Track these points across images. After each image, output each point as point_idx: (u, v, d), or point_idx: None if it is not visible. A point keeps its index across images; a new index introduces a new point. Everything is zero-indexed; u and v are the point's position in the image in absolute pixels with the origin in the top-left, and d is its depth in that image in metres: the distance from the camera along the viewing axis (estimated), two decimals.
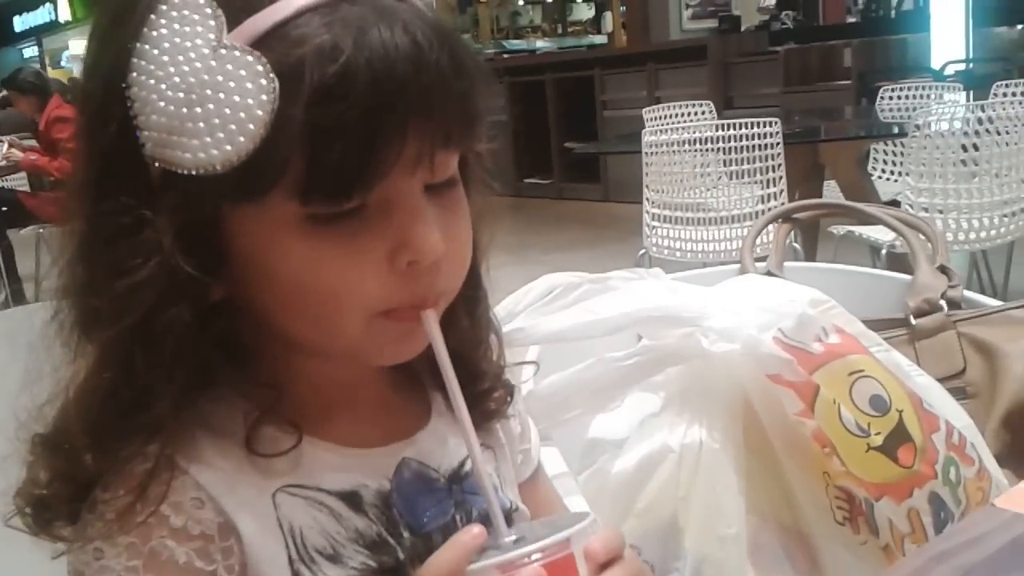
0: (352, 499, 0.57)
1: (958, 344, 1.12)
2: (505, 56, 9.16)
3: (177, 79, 0.48)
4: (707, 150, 3.17)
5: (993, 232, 3.05)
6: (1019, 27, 6.14)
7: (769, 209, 3.11)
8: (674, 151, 3.22)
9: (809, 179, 3.75)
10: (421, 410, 0.63)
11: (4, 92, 5.59)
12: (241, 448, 0.54)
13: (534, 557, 0.48)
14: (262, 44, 0.47)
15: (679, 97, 5.03)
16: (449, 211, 0.54)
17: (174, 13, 0.48)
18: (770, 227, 1.38)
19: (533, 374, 0.72)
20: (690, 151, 3.20)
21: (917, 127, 3.00)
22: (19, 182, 5.55)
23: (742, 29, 7.66)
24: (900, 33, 6.48)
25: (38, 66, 14.64)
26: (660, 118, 4.49)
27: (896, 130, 3.75)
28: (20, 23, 19.61)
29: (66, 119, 5.26)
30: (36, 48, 19.68)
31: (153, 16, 0.48)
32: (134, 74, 0.49)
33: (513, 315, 0.94)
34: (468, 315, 0.62)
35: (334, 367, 0.58)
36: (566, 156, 7.19)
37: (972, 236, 3.03)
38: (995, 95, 3.83)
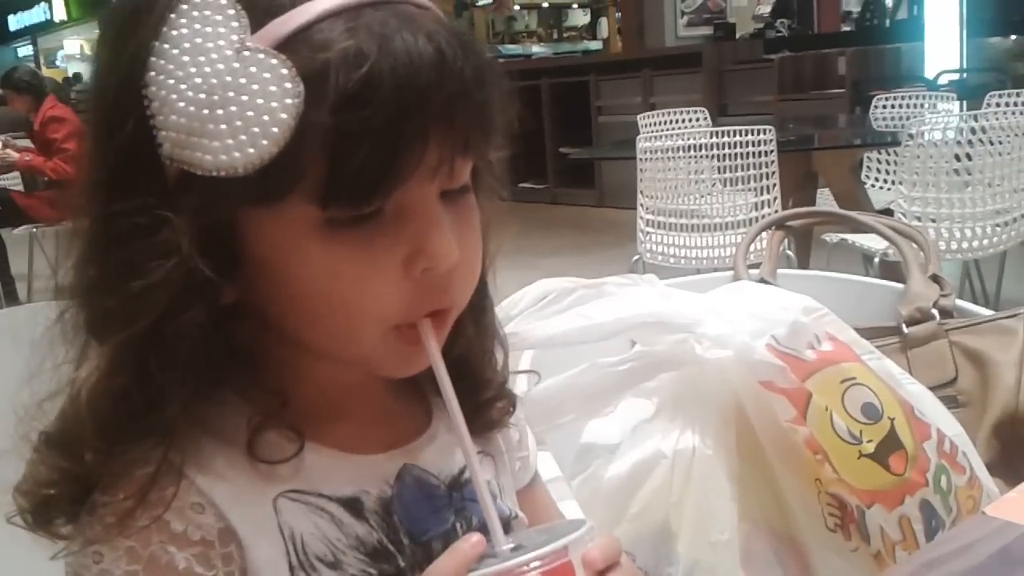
0: (353, 505, 0.56)
1: (950, 353, 1.13)
2: (501, 61, 9.15)
3: (198, 80, 0.47)
4: (701, 157, 3.18)
5: (985, 242, 3.06)
6: (1013, 38, 6.16)
7: (763, 216, 3.12)
8: (669, 157, 3.23)
9: (802, 187, 3.76)
10: (422, 416, 0.63)
11: None
12: (243, 453, 0.54)
13: (533, 565, 0.48)
14: (286, 47, 0.47)
15: (674, 103, 5.04)
16: (462, 219, 0.54)
17: (195, 13, 0.48)
18: (763, 234, 1.38)
19: (535, 384, 0.72)
20: (684, 157, 3.21)
21: (910, 136, 3.01)
22: (13, 181, 5.54)
23: (737, 36, 7.69)
24: (894, 42, 6.50)
25: (33, 65, 14.61)
26: (655, 124, 4.49)
27: (889, 139, 3.77)
28: (15, 22, 19.57)
29: (61, 119, 5.25)
30: (31, 47, 19.64)
31: (173, 15, 0.48)
32: (152, 73, 0.48)
33: (508, 320, 0.94)
34: (474, 324, 0.62)
35: (338, 373, 0.58)
36: (561, 161, 7.20)
37: (964, 245, 3.04)
38: (988, 105, 3.85)
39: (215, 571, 0.52)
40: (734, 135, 3.10)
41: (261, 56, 0.47)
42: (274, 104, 0.46)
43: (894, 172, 3.72)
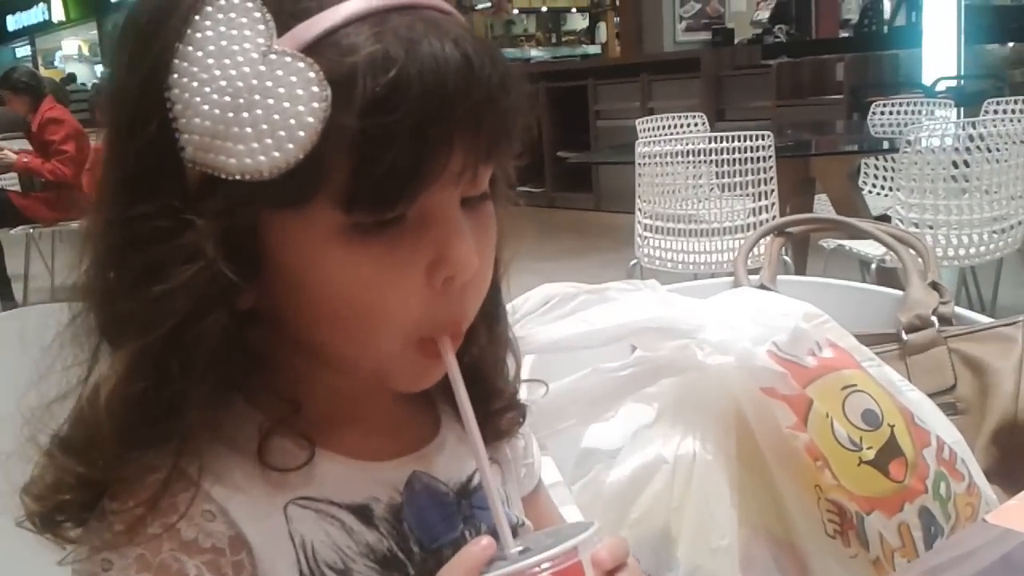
0: (363, 512, 0.56)
1: (949, 360, 1.13)
2: None
3: (223, 83, 0.47)
4: (700, 162, 3.19)
5: (982, 248, 3.07)
6: (1011, 45, 6.18)
7: (760, 222, 3.13)
8: (667, 162, 3.23)
9: (800, 193, 3.77)
10: (430, 423, 0.63)
11: None
12: (253, 460, 0.53)
13: (544, 566, 0.48)
14: (312, 51, 0.47)
15: (672, 108, 5.04)
16: (481, 226, 0.54)
17: (220, 15, 0.47)
18: (763, 240, 1.39)
19: (541, 394, 0.71)
20: (683, 163, 3.21)
21: (908, 143, 3.02)
22: (10, 182, 5.53)
23: (735, 42, 7.70)
24: (892, 49, 6.51)
25: (31, 65, 14.59)
26: (653, 129, 4.50)
27: (887, 145, 3.78)
28: (13, 22, 19.56)
29: (59, 121, 5.24)
30: (29, 47, 19.62)
31: (197, 17, 0.47)
32: (175, 75, 0.47)
33: (510, 324, 0.94)
34: (488, 332, 0.62)
35: (350, 380, 0.57)
36: (559, 165, 7.21)
37: (961, 252, 3.05)
38: (986, 112, 3.86)
39: None
40: (733, 140, 3.11)
41: (288, 59, 0.46)
42: (301, 108, 0.46)
43: (892, 178, 3.73)
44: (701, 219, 3.24)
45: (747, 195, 3.17)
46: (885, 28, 7.09)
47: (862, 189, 4.01)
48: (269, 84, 0.46)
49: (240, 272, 0.49)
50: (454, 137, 0.49)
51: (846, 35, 7.57)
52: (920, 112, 4.39)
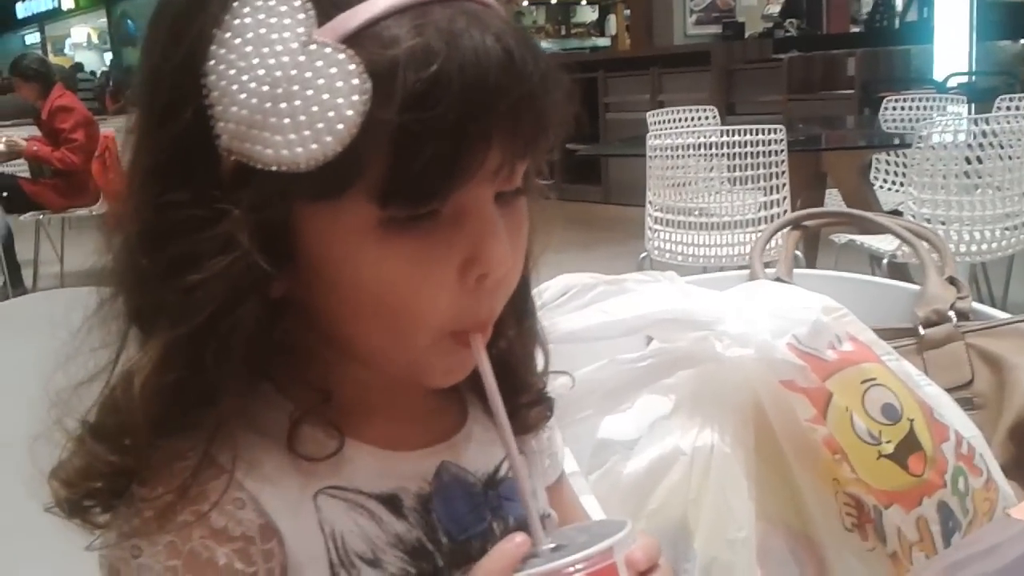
0: (392, 502, 0.56)
1: (966, 355, 1.13)
2: None
3: (262, 71, 0.46)
4: (711, 155, 3.18)
5: (994, 245, 3.06)
6: (1022, 41, 6.16)
7: (771, 216, 3.13)
8: (678, 155, 3.22)
9: (811, 187, 3.76)
10: (458, 413, 0.63)
11: (5, 76, 5.56)
12: (283, 449, 0.53)
13: (578, 567, 0.48)
14: (353, 42, 0.46)
15: (682, 102, 5.03)
16: (514, 223, 0.53)
17: (259, 2, 0.47)
18: (777, 234, 1.38)
19: (569, 387, 0.71)
20: (695, 156, 3.21)
21: (920, 138, 3.01)
22: (19, 168, 5.54)
23: (746, 36, 7.68)
24: (904, 44, 6.49)
25: (40, 53, 14.61)
26: (664, 122, 4.49)
27: (899, 141, 3.77)
28: (23, 9, 19.57)
29: (69, 109, 5.25)
30: (38, 35, 19.64)
31: (236, 3, 0.47)
32: (212, 62, 0.47)
33: None
34: (517, 326, 0.61)
35: (380, 371, 0.56)
36: (568, 157, 7.20)
37: (973, 248, 3.04)
38: (998, 109, 3.85)
39: (255, 568, 0.51)
40: (744, 134, 3.10)
41: (328, 50, 0.45)
42: (340, 100, 0.45)
43: (903, 174, 3.72)
44: (712, 212, 3.23)
45: (758, 189, 3.16)
46: (897, 23, 7.07)
47: (873, 184, 4.00)
48: (308, 75, 0.45)
49: (273, 262, 0.48)
50: (493, 133, 0.48)
51: (857, 30, 7.55)
52: (932, 108, 4.37)
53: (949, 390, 1.04)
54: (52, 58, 15.01)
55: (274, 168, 0.46)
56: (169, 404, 0.49)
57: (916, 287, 1.23)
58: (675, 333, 0.95)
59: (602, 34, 10.90)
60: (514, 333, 0.61)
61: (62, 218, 5.33)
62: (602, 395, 0.95)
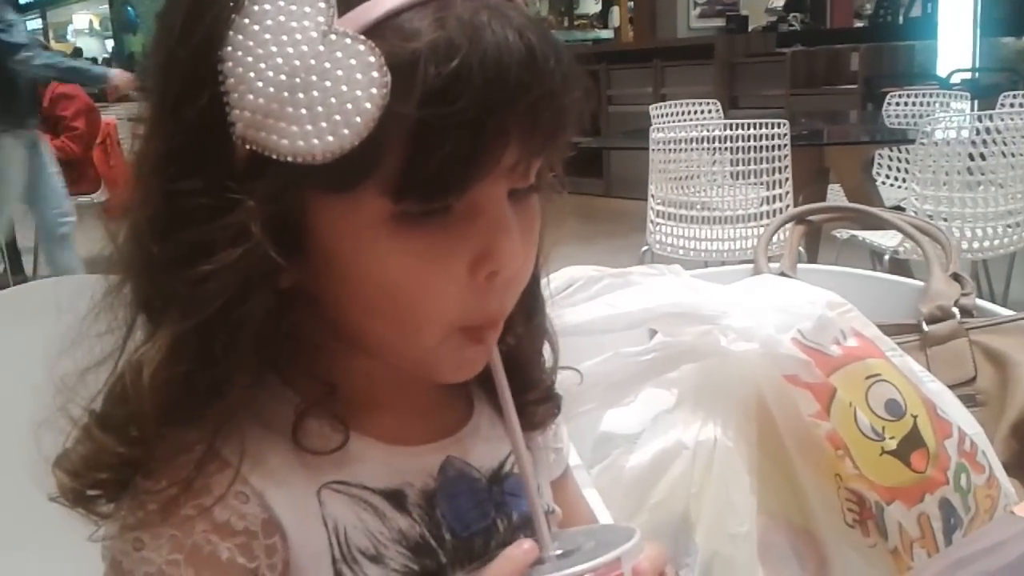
0: (396, 498, 0.55)
1: (969, 352, 1.13)
2: None
3: (280, 60, 0.45)
4: (714, 149, 3.17)
5: (996, 242, 3.06)
6: None
7: (773, 211, 3.12)
8: (681, 149, 3.22)
9: (814, 182, 3.76)
10: (464, 406, 0.62)
11: None
12: (288, 442, 0.52)
13: None
14: (373, 33, 0.45)
15: (684, 95, 5.02)
16: (527, 220, 0.53)
17: None
18: (781, 229, 1.38)
19: (578, 383, 0.71)
20: (697, 149, 3.20)
21: (924, 134, 3.01)
22: None
23: (749, 29, 7.66)
24: (908, 39, 6.47)
25: (42, 38, 14.56)
26: (666, 115, 4.48)
27: (902, 137, 3.76)
28: None
29: (70, 96, 5.23)
30: (40, 20, 19.59)
31: None
32: (229, 48, 0.46)
33: None
34: (526, 323, 0.60)
35: (387, 365, 0.56)
36: (573, 148, 7.18)
37: (975, 245, 3.04)
38: (1002, 105, 3.84)
39: (257, 562, 0.51)
40: (748, 128, 3.09)
41: (348, 41, 0.44)
42: (359, 92, 0.44)
43: (906, 170, 3.72)
44: (714, 207, 3.22)
45: (760, 183, 3.15)
46: (901, 19, 7.05)
47: (875, 180, 4.00)
48: (327, 66, 0.45)
49: (283, 253, 0.48)
50: (511, 131, 0.47)
51: (861, 25, 7.53)
52: (935, 104, 4.37)
53: (952, 387, 1.04)
54: (54, 44, 14.97)
55: (289, 159, 0.45)
56: (178, 395, 0.48)
57: (920, 283, 1.23)
58: (679, 327, 0.95)
59: (605, 26, 10.86)
60: (523, 330, 0.60)
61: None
62: (605, 388, 0.95)
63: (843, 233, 3.17)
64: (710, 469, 0.92)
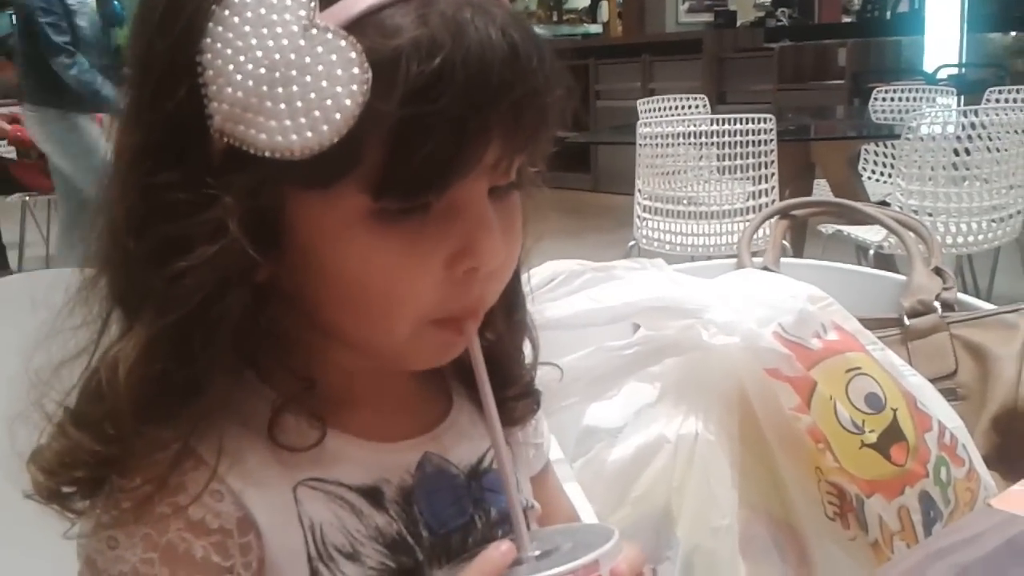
0: (373, 495, 0.55)
1: (951, 346, 1.13)
2: None
3: (259, 53, 0.44)
4: (701, 144, 3.18)
5: (980, 237, 3.07)
6: (1013, 34, 6.17)
7: (760, 206, 3.13)
8: (668, 144, 3.22)
9: (800, 177, 3.77)
10: (443, 401, 0.62)
11: None
12: (264, 439, 0.52)
13: None
14: (355, 29, 0.44)
15: (673, 90, 5.03)
16: (508, 217, 0.52)
17: None
18: (765, 223, 1.39)
19: (559, 379, 0.70)
20: (684, 144, 3.21)
21: (909, 129, 3.01)
22: (5, 150, 5.49)
23: (738, 24, 7.67)
24: (895, 35, 6.50)
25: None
26: (654, 110, 4.49)
27: (887, 132, 3.77)
28: None
29: None
30: None
31: None
32: (208, 40, 0.45)
33: None
34: (506, 319, 0.60)
35: (365, 358, 0.56)
36: (557, 145, 7.18)
37: (960, 240, 3.05)
38: (987, 101, 3.86)
39: (232, 561, 0.50)
40: (735, 123, 3.10)
41: (329, 36, 0.44)
42: (339, 89, 0.43)
43: (891, 165, 3.73)
44: (700, 201, 3.23)
45: (747, 178, 3.16)
46: (888, 14, 7.06)
47: (861, 175, 4.01)
48: (308, 60, 0.44)
49: (260, 248, 0.47)
50: (493, 129, 0.47)
51: (849, 20, 7.55)
52: (921, 99, 4.38)
53: (933, 380, 1.05)
54: None
55: (267, 154, 0.45)
56: (154, 393, 0.48)
57: (902, 277, 1.23)
58: (662, 321, 0.95)
59: (594, 20, 10.86)
60: (503, 326, 0.60)
61: (48, 199, 5.29)
62: (588, 382, 0.95)
63: (828, 228, 3.18)
64: (692, 463, 0.92)
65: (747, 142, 3.11)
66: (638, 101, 4.60)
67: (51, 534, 0.53)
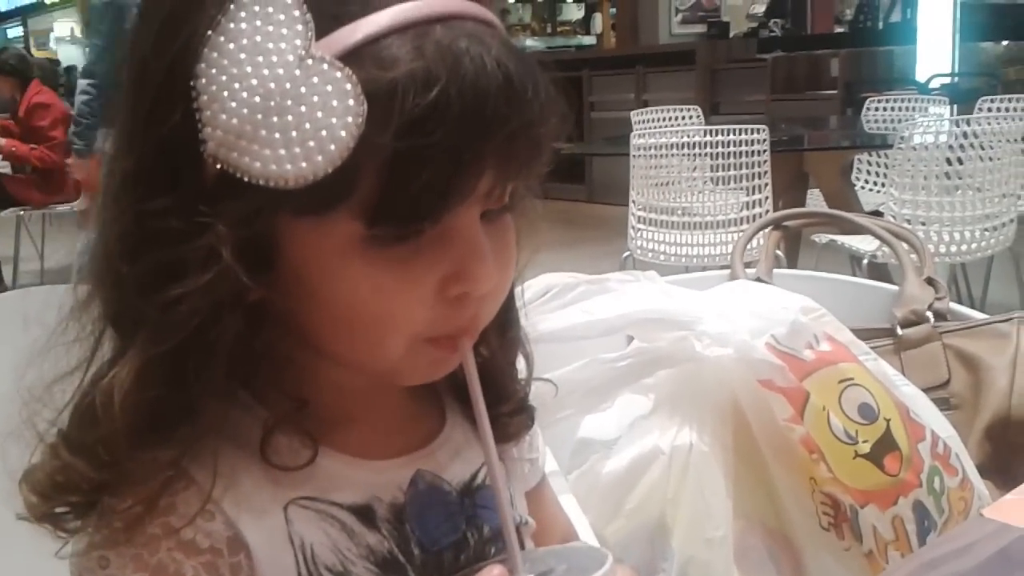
0: (365, 514, 0.55)
1: (943, 355, 1.14)
2: None
3: (255, 81, 0.44)
4: (695, 155, 3.18)
5: (974, 246, 3.08)
6: (1005, 43, 6.20)
7: (753, 216, 3.14)
8: (662, 155, 3.23)
9: (793, 187, 3.78)
10: (436, 418, 0.62)
11: None
12: (255, 458, 0.52)
13: None
14: (351, 59, 0.44)
15: (666, 101, 5.05)
16: (501, 240, 0.53)
17: (257, 8, 0.45)
18: (759, 234, 1.39)
19: (553, 395, 0.70)
20: (678, 155, 3.21)
21: (902, 139, 3.03)
22: (0, 164, 5.49)
23: (731, 35, 7.70)
24: (887, 45, 6.53)
25: (22, 46, 14.48)
26: (648, 121, 4.50)
27: (881, 141, 3.79)
28: (5, 3, 19.38)
29: (47, 106, 5.21)
30: (21, 28, 19.48)
31: (233, 6, 0.45)
32: (203, 65, 0.45)
33: None
34: (500, 336, 0.60)
35: (357, 377, 0.56)
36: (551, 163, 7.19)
37: (953, 249, 3.06)
38: (980, 110, 3.88)
39: None
40: (728, 134, 3.11)
41: (325, 67, 0.44)
42: (334, 120, 0.43)
43: (885, 175, 3.74)
44: (694, 212, 3.24)
45: (740, 189, 3.17)
46: (880, 24, 7.10)
47: (855, 185, 4.02)
48: (303, 90, 0.44)
49: (252, 274, 0.47)
50: (487, 159, 0.47)
51: (841, 30, 7.58)
52: (914, 109, 4.40)
53: (926, 390, 1.05)
54: (35, 52, 14.87)
55: (261, 183, 0.44)
56: (149, 418, 0.48)
57: (895, 287, 1.24)
58: (655, 333, 0.95)
59: (587, 32, 10.90)
60: (497, 343, 0.60)
61: (43, 214, 5.29)
62: (582, 394, 0.96)
63: (822, 238, 3.19)
64: (686, 474, 0.92)
65: (740, 152, 3.12)
66: (632, 112, 4.62)
67: (44, 553, 0.53)
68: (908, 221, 2.98)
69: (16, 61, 5.47)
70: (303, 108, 0.44)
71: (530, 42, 10.80)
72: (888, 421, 0.92)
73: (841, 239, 3.10)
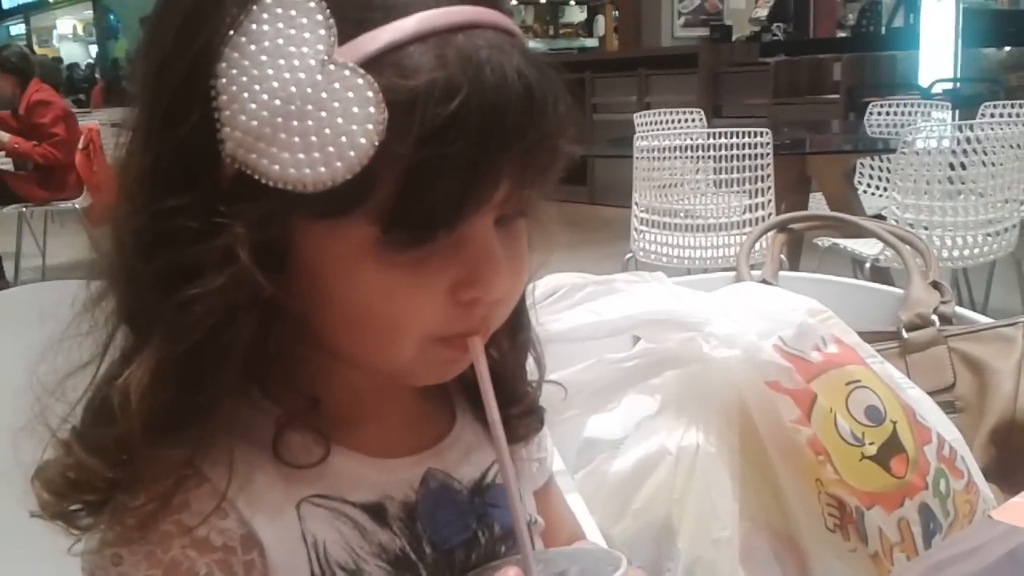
0: (377, 512, 0.55)
1: (948, 359, 1.14)
2: None
3: (275, 84, 0.44)
4: (697, 157, 3.19)
5: (976, 250, 3.08)
6: (1008, 49, 6.20)
7: (756, 219, 3.14)
8: (665, 157, 3.23)
9: (796, 191, 3.78)
10: (446, 416, 0.62)
11: None
12: (268, 456, 0.52)
13: None
14: (373, 67, 0.44)
15: (669, 103, 5.05)
16: (514, 245, 0.53)
17: (279, 10, 0.44)
18: (763, 237, 1.39)
19: (560, 398, 0.70)
20: (680, 158, 3.22)
21: (905, 143, 3.03)
22: (2, 161, 5.50)
23: (733, 39, 7.71)
24: (890, 50, 6.53)
25: (25, 43, 14.49)
26: (650, 123, 4.51)
27: (883, 146, 3.79)
28: (8, 0, 19.40)
29: (47, 103, 5.21)
30: (24, 26, 19.49)
31: (256, 7, 0.44)
32: (224, 65, 0.45)
33: None
34: (511, 339, 0.61)
35: (369, 376, 0.56)
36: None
37: (955, 254, 3.06)
38: (982, 115, 3.88)
39: None
40: (731, 136, 3.11)
41: (347, 73, 0.44)
42: (354, 127, 0.43)
43: (887, 179, 3.75)
44: (697, 215, 3.24)
45: (743, 192, 3.17)
46: (883, 29, 7.11)
47: (857, 189, 4.03)
48: (324, 96, 0.44)
49: (267, 274, 0.47)
50: (504, 169, 0.47)
51: (844, 35, 7.60)
52: (916, 114, 4.40)
53: (932, 393, 1.06)
54: (38, 49, 14.89)
55: (279, 186, 0.44)
56: (164, 417, 0.48)
57: (900, 291, 1.24)
58: (662, 334, 0.96)
59: (590, 35, 10.91)
60: (508, 346, 0.61)
61: (45, 211, 5.30)
62: (589, 394, 0.96)
63: (825, 241, 3.19)
64: (692, 474, 0.92)
65: (743, 155, 3.12)
66: (634, 115, 4.62)
67: (55, 549, 0.53)
68: (911, 225, 2.98)
69: (18, 59, 5.46)
70: (323, 113, 0.44)
71: (533, 44, 10.80)
72: (895, 423, 0.92)
73: (843, 243, 3.10)
